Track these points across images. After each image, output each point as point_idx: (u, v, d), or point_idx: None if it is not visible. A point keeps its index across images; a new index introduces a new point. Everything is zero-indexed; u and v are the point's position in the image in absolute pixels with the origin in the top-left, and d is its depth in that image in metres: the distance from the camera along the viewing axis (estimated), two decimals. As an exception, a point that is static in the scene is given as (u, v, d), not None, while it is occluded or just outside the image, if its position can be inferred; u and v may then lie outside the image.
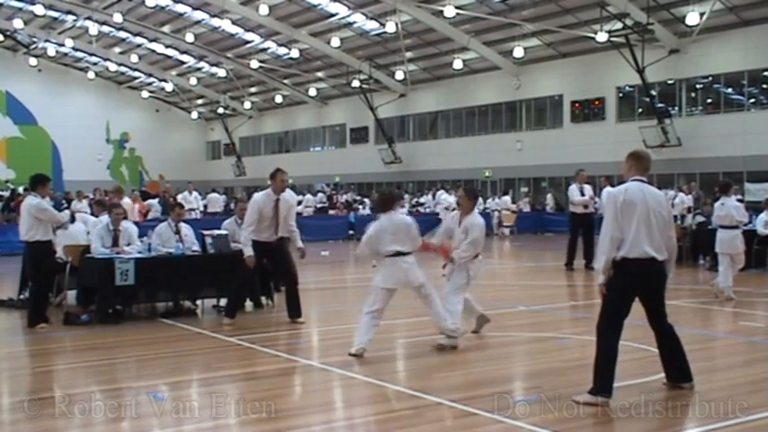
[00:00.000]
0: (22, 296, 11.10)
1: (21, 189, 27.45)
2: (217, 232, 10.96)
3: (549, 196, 31.42)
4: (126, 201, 16.58)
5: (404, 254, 7.93)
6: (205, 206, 29.20)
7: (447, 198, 28.88)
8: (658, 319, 6.26)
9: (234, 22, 36.97)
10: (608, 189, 16.71)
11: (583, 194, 16.33)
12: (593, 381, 5.93)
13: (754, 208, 17.77)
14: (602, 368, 5.92)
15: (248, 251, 9.49)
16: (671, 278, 6.27)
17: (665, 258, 6.06)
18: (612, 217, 5.95)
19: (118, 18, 36.63)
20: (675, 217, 19.24)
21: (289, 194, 9.94)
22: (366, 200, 32.60)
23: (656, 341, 6.33)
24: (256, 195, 9.86)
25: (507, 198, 31.63)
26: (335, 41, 34.34)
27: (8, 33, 42.31)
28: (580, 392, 5.98)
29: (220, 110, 49.21)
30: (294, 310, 9.80)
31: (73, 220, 11.86)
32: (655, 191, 6.16)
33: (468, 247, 8.35)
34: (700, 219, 17.17)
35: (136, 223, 14.14)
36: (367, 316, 7.85)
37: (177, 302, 10.92)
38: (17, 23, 38.41)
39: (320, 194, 34.80)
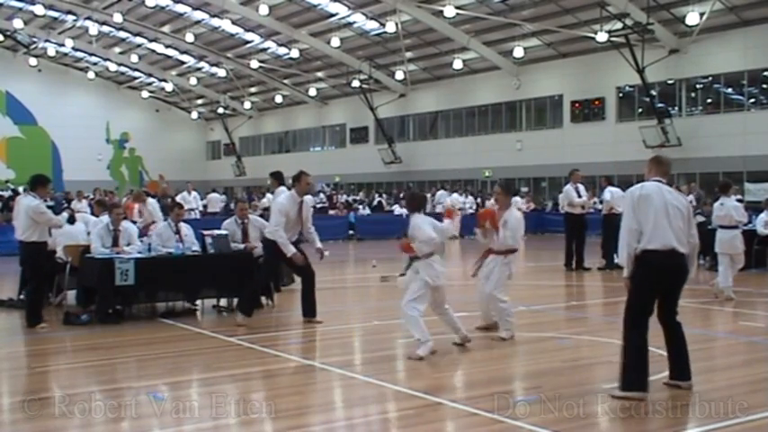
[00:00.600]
0: (21, 296, 11.09)
1: (21, 189, 27.46)
2: (217, 232, 10.96)
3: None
4: (151, 201, 16.67)
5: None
6: (205, 206, 29.22)
7: (447, 198, 28.91)
8: (670, 316, 6.32)
9: (234, 22, 36.97)
10: (610, 189, 16.75)
11: (579, 195, 16.32)
12: (620, 378, 6.01)
13: (754, 208, 17.77)
14: (631, 364, 5.99)
15: (291, 249, 9.50)
16: (690, 275, 6.34)
17: (686, 252, 6.14)
18: (629, 210, 6.12)
19: (118, 18, 36.65)
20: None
21: (308, 197, 10.10)
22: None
23: (665, 337, 6.37)
24: (281, 198, 10.04)
25: (518, 198, 31.65)
26: (335, 41, 34.35)
27: (8, 33, 42.30)
28: (580, 393, 5.98)
29: (220, 110, 49.22)
30: (310, 309, 9.79)
31: (73, 220, 11.85)
32: (673, 190, 6.36)
33: (506, 240, 8.50)
34: (700, 219, 17.16)
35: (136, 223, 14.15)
36: (417, 314, 7.78)
37: (193, 301, 11.05)
38: (17, 23, 38.40)
39: (321, 194, 34.81)
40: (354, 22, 34.96)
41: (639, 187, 6.21)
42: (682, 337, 6.32)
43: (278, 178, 13.60)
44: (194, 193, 26.93)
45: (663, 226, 6.01)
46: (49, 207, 10.79)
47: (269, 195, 22.91)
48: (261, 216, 13.31)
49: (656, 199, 6.06)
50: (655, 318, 6.29)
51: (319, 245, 10.01)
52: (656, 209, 6.03)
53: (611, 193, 16.50)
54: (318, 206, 32.59)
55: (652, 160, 6.55)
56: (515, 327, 8.63)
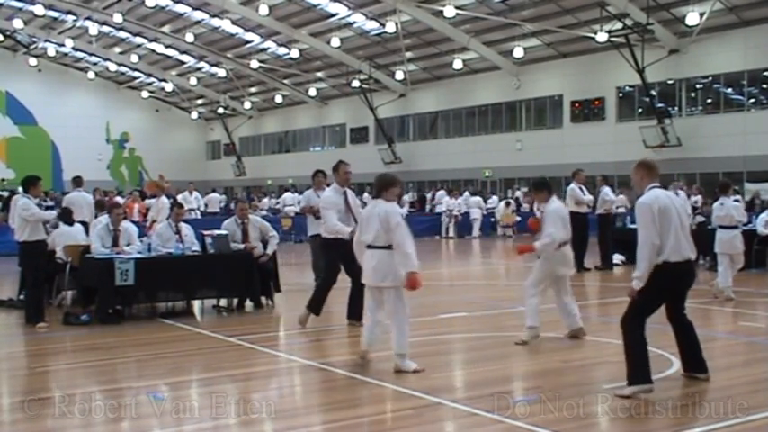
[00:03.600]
0: (21, 296, 11.10)
1: (20, 189, 27.48)
2: (217, 232, 10.96)
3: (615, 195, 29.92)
4: (164, 200, 16.83)
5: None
6: (205, 206, 29.24)
7: (447, 200, 28.92)
8: (680, 313, 6.49)
9: (234, 22, 36.99)
10: (606, 189, 16.69)
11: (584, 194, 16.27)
12: (628, 374, 6.09)
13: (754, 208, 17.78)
14: (636, 359, 6.10)
15: (345, 229, 8.81)
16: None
17: (694, 258, 6.35)
18: (650, 224, 6.12)
19: (118, 18, 36.67)
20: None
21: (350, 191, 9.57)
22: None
23: (675, 333, 6.55)
24: (326, 192, 9.63)
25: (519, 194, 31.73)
26: (335, 41, 34.36)
27: (8, 33, 42.33)
28: (581, 393, 5.98)
29: (220, 110, 49.24)
30: (356, 311, 9.29)
31: (72, 222, 11.86)
32: (673, 195, 6.53)
33: (545, 237, 8.29)
34: (700, 219, 17.15)
35: (135, 223, 14.19)
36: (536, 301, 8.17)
37: (189, 302, 11.01)
38: (17, 23, 38.43)
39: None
40: (354, 22, 34.97)
41: (654, 199, 6.21)
42: (694, 333, 6.54)
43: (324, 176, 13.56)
44: (195, 194, 26.92)
45: (681, 239, 6.17)
46: (48, 208, 10.85)
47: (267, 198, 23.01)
48: (264, 217, 13.38)
49: (672, 211, 6.18)
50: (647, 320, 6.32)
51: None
52: (674, 223, 6.15)
53: (607, 192, 16.54)
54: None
55: (642, 166, 6.54)
56: (534, 333, 8.31)
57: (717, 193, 12.50)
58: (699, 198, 20.36)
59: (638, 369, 6.08)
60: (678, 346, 6.63)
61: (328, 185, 13.95)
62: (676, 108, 29.24)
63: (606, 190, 16.78)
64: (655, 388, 6.08)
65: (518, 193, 32.11)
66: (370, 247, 7.07)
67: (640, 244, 6.18)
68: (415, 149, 39.58)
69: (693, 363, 6.56)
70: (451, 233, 28.40)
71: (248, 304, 11.19)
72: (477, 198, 29.79)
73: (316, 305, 9.35)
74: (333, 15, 34.35)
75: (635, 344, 6.16)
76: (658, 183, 6.39)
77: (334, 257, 9.29)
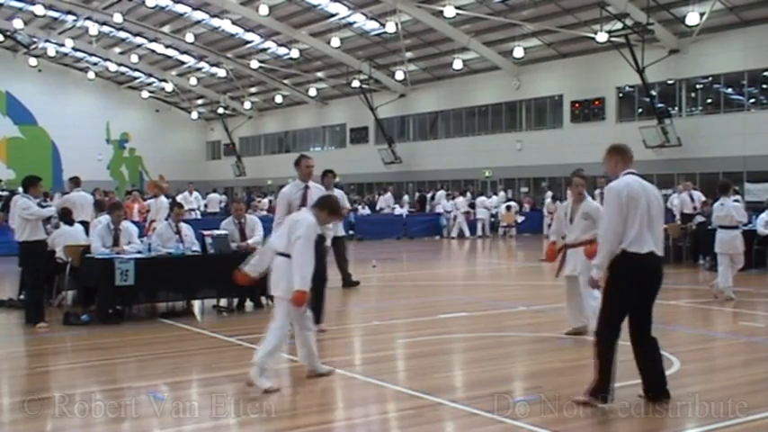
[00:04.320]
0: (21, 296, 11.11)
1: (20, 189, 27.49)
2: (217, 232, 10.96)
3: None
4: (163, 200, 16.90)
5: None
6: (205, 206, 29.28)
7: (446, 203, 28.94)
8: (645, 329, 6.03)
9: (234, 23, 36.97)
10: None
11: None
12: (594, 381, 5.88)
13: (755, 208, 17.77)
14: (604, 370, 5.85)
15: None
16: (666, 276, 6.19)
17: (662, 255, 6.02)
18: (616, 212, 5.88)
19: (118, 18, 36.65)
20: (674, 216, 19.23)
21: (315, 186, 9.20)
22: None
23: (638, 355, 6.03)
24: (285, 187, 9.17)
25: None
26: (335, 41, 34.34)
27: (8, 33, 42.31)
28: (579, 393, 5.98)
29: (220, 110, 49.22)
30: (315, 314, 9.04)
31: (72, 222, 11.87)
32: (649, 184, 6.16)
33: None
34: (700, 219, 17.17)
35: (136, 223, 14.20)
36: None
37: (189, 302, 11.00)
38: (17, 23, 38.41)
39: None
40: (354, 23, 34.96)
41: (625, 185, 5.95)
42: (659, 355, 6.04)
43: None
44: (195, 194, 26.96)
45: (645, 230, 5.86)
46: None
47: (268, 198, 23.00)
48: (264, 218, 13.42)
49: (642, 200, 5.90)
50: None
51: (327, 243, 9.26)
52: (641, 212, 5.86)
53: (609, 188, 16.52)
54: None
55: (614, 151, 6.22)
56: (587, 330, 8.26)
57: (717, 193, 12.51)
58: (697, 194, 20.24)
59: (600, 382, 5.82)
60: (637, 363, 6.05)
61: (337, 185, 13.98)
62: (676, 108, 29.22)
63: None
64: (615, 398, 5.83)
65: (497, 200, 31.65)
66: (278, 254, 6.72)
67: (603, 231, 6.00)
68: (415, 149, 39.57)
69: (655, 385, 6.03)
70: (453, 233, 28.45)
71: (248, 304, 11.20)
72: (483, 198, 29.87)
73: (317, 313, 8.94)
74: (333, 15, 34.33)
75: (603, 355, 5.87)
76: (633, 168, 6.14)
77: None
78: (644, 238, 5.85)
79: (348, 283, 13.44)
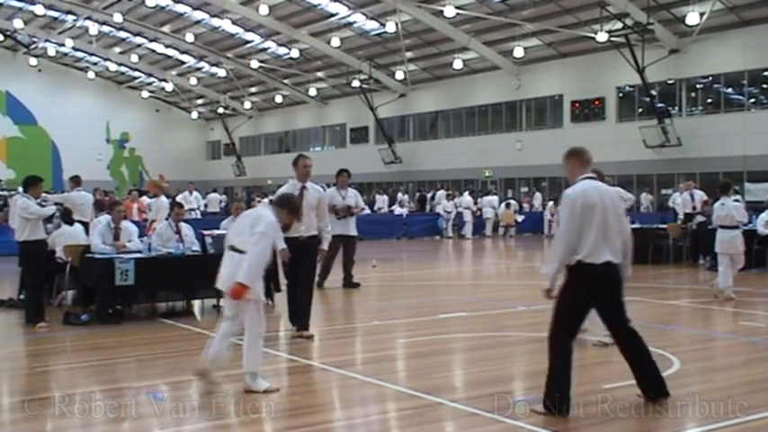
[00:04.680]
0: (21, 296, 11.11)
1: (20, 189, 27.50)
2: (217, 232, 10.95)
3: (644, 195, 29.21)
4: (163, 200, 16.95)
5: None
6: (205, 205, 29.28)
7: (446, 204, 28.95)
8: (622, 323, 5.90)
9: (234, 22, 36.98)
10: (618, 190, 16.58)
11: None
12: (545, 392, 5.65)
13: (755, 208, 17.77)
14: (557, 381, 5.61)
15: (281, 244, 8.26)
16: (629, 278, 6.00)
17: (619, 262, 5.80)
18: (569, 220, 5.67)
19: (118, 18, 36.66)
20: (676, 215, 19.23)
21: (313, 186, 9.06)
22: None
23: (624, 350, 5.92)
24: (281, 188, 8.97)
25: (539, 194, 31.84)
26: (335, 41, 34.36)
27: (8, 33, 42.33)
28: (578, 393, 5.97)
29: (220, 110, 49.23)
30: (302, 319, 8.84)
31: (72, 221, 11.87)
32: (607, 188, 5.96)
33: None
34: (700, 218, 17.16)
35: (135, 223, 14.22)
36: None
37: (189, 302, 11.01)
38: (17, 23, 38.43)
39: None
40: (354, 22, 34.97)
41: (581, 193, 5.71)
42: (646, 349, 5.88)
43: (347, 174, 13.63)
44: (195, 194, 26.95)
45: (601, 239, 5.64)
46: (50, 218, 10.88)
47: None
48: None
49: (599, 207, 5.66)
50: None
51: (325, 246, 9.15)
52: (597, 221, 5.63)
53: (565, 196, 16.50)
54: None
55: (571, 155, 5.98)
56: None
57: (718, 192, 12.51)
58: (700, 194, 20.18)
59: (552, 393, 5.61)
60: (628, 364, 5.93)
61: (351, 185, 13.98)
62: (676, 108, 29.23)
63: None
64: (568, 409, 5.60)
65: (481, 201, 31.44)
66: (232, 249, 6.51)
67: (556, 240, 5.82)
68: (416, 149, 39.57)
69: (648, 382, 5.89)
70: (450, 232, 28.48)
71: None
72: (490, 197, 29.90)
73: (305, 319, 8.87)
74: (333, 15, 34.34)
75: (557, 363, 5.65)
76: (591, 173, 5.92)
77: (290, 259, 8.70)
78: (600, 248, 5.64)
79: (349, 283, 13.42)
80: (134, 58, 45.11)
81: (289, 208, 6.68)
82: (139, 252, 10.56)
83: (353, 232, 13.62)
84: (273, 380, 7.24)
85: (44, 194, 11.15)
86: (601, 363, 7.55)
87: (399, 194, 33.21)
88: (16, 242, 9.99)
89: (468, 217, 28.43)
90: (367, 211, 31.36)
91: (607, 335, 8.12)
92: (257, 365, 6.44)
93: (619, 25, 26.98)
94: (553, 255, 5.78)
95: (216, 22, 37.74)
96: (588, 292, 5.74)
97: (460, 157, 36.68)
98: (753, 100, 27.53)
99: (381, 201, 32.81)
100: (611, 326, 6.01)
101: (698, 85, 29.07)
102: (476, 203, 29.54)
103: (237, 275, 6.24)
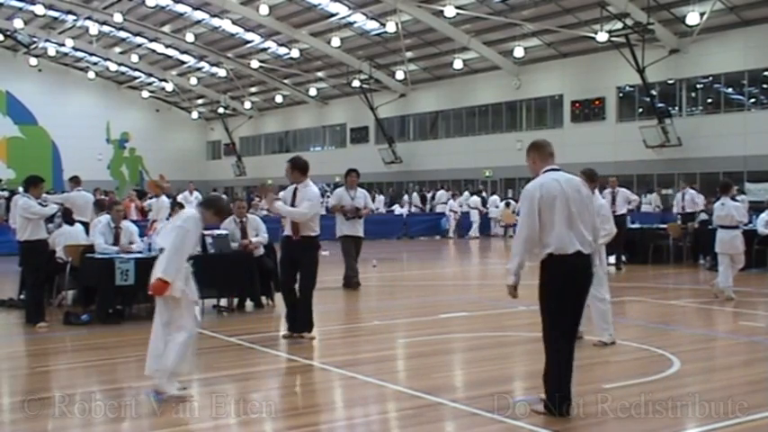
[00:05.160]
0: (21, 296, 11.11)
1: (20, 189, 27.50)
2: (217, 232, 10.95)
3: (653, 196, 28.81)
4: (164, 199, 16.94)
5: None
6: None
7: (453, 203, 28.94)
8: (577, 323, 5.83)
9: (234, 22, 36.99)
10: (621, 189, 16.54)
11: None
12: (545, 392, 5.65)
13: (755, 208, 17.77)
14: (555, 381, 5.59)
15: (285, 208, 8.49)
16: (596, 264, 5.95)
17: (591, 251, 5.72)
18: (528, 214, 5.59)
19: (118, 18, 36.65)
20: (678, 215, 19.22)
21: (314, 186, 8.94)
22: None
23: (561, 349, 5.70)
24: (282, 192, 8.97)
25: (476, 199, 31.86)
26: (336, 41, 34.35)
27: (8, 33, 42.33)
28: (578, 393, 5.97)
29: (220, 110, 49.24)
30: (301, 322, 8.76)
31: (72, 221, 11.87)
32: (570, 177, 5.83)
33: (605, 234, 7.99)
34: (703, 217, 17.10)
35: (135, 222, 14.20)
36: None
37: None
38: (17, 23, 38.43)
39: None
40: (354, 22, 34.96)
41: (539, 186, 5.62)
42: (570, 356, 5.70)
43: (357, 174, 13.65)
44: (196, 193, 26.93)
45: (566, 230, 5.56)
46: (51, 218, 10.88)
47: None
48: (264, 217, 13.42)
49: (559, 198, 5.56)
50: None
51: (325, 253, 9.23)
52: (559, 211, 5.54)
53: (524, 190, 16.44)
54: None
55: (531, 148, 5.89)
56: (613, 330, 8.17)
57: (718, 192, 12.51)
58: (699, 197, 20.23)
59: (552, 393, 5.58)
60: (559, 364, 5.75)
61: (360, 185, 13.95)
62: (677, 108, 29.22)
63: (620, 191, 16.57)
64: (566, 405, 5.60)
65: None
66: (162, 250, 6.38)
67: (516, 234, 5.74)
68: (416, 149, 39.57)
69: (556, 388, 5.68)
70: (451, 233, 28.46)
71: (248, 304, 11.21)
72: (495, 197, 29.95)
73: (310, 321, 8.79)
74: (333, 15, 34.33)
75: (552, 363, 5.61)
76: (554, 165, 5.81)
77: (282, 261, 8.72)
78: (567, 238, 5.57)
79: (350, 283, 13.39)
80: (134, 58, 45.11)
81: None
82: (140, 252, 10.56)
83: (361, 233, 13.51)
84: (274, 380, 7.25)
85: (44, 195, 11.15)
86: (601, 363, 7.56)
87: (405, 196, 33.23)
88: (17, 242, 9.99)
89: (475, 217, 28.49)
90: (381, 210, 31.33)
91: (612, 335, 8.17)
92: (179, 366, 6.18)
93: (619, 25, 26.98)
94: (513, 251, 5.73)
95: (216, 22, 37.74)
96: (562, 283, 5.64)
97: (461, 157, 36.68)
98: (753, 100, 27.53)
99: (378, 201, 32.80)
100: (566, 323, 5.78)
101: (698, 85, 29.06)
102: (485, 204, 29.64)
103: (158, 271, 6.15)
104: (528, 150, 5.92)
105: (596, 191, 8.47)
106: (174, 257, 6.17)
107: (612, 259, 16.23)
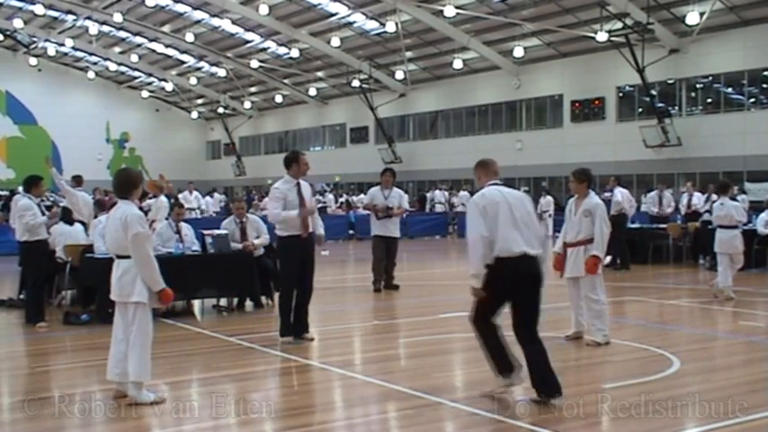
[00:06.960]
0: (21, 296, 11.11)
1: (20, 189, 27.48)
2: (217, 232, 10.97)
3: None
4: (163, 199, 16.92)
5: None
6: (203, 210, 29.23)
7: (440, 197, 28.99)
8: (529, 331, 5.95)
9: (234, 22, 36.97)
10: (620, 189, 16.54)
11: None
12: (494, 367, 6.07)
13: (755, 208, 17.76)
14: (495, 352, 6.03)
15: (291, 213, 8.37)
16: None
17: (538, 253, 5.95)
18: (476, 218, 5.88)
19: (118, 18, 36.65)
20: (678, 216, 19.23)
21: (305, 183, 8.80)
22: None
23: (526, 357, 5.98)
24: (277, 183, 8.71)
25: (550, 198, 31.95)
26: (335, 41, 34.35)
27: (8, 33, 42.30)
28: (578, 393, 5.97)
29: (220, 110, 49.22)
30: (302, 324, 8.65)
31: (72, 221, 11.87)
32: (513, 190, 6.17)
33: (602, 232, 8.11)
34: (708, 216, 17.07)
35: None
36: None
37: (189, 302, 10.97)
38: (17, 23, 38.42)
39: (327, 194, 34.72)
40: (354, 22, 34.96)
41: (481, 196, 6.00)
42: (544, 351, 5.96)
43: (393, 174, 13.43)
44: (195, 193, 26.97)
45: (512, 231, 5.84)
46: (48, 207, 10.85)
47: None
48: (264, 217, 13.38)
49: (502, 204, 5.89)
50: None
51: (321, 231, 8.82)
52: (503, 215, 5.85)
53: (621, 193, 16.38)
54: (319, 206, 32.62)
55: (477, 166, 6.33)
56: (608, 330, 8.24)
57: (717, 192, 12.51)
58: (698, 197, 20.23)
59: (500, 362, 6.03)
60: (526, 364, 6.01)
61: (350, 184, 13.81)
62: (676, 108, 29.22)
63: (618, 191, 16.56)
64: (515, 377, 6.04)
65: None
66: (118, 256, 6.25)
67: (470, 241, 5.91)
68: (416, 149, 39.57)
69: (540, 381, 5.91)
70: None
71: (248, 304, 11.20)
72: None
73: (284, 329, 8.52)
74: (333, 15, 34.33)
75: (487, 340, 6.04)
76: (497, 179, 6.20)
77: (290, 261, 8.49)
78: (512, 236, 5.85)
79: (389, 285, 13.09)
80: (134, 57, 45.10)
81: (135, 185, 6.44)
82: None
83: (396, 233, 13.17)
84: (273, 380, 7.25)
85: (48, 193, 11.11)
86: (600, 363, 7.56)
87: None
88: (17, 242, 9.98)
89: None
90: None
91: (606, 335, 8.17)
92: (146, 375, 6.10)
93: (619, 25, 26.97)
94: (472, 254, 5.89)
95: (216, 21, 37.72)
96: (504, 284, 5.90)
97: (460, 157, 36.60)
98: (753, 100, 27.53)
99: None
100: (520, 325, 5.96)
101: (698, 85, 29.06)
102: None
103: (152, 287, 6.21)
104: (475, 168, 6.36)
105: (591, 191, 8.47)
106: (152, 263, 6.27)
107: (608, 260, 16.28)
